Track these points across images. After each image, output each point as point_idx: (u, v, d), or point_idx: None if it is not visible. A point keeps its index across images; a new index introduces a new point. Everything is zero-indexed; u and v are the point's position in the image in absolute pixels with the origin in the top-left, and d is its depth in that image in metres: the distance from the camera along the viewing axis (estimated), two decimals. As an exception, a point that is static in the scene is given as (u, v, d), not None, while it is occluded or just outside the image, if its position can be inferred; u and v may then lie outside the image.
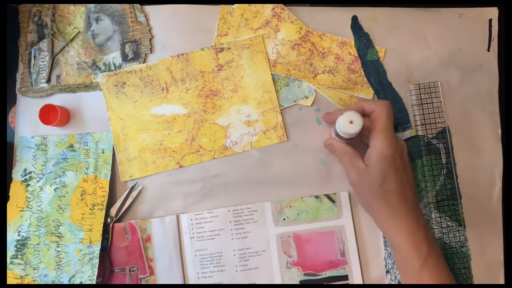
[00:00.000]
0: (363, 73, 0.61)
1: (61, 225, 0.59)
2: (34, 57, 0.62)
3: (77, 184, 0.60)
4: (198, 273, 0.59)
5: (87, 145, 0.60)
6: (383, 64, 0.61)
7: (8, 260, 0.58)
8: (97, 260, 0.57)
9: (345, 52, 0.62)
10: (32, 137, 0.61)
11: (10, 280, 0.57)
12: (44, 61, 0.62)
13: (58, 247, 0.58)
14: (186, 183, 0.60)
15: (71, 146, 0.61)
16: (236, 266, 0.59)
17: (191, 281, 0.59)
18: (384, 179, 0.50)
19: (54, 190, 0.59)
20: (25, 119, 0.62)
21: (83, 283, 0.57)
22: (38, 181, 0.60)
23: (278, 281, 0.58)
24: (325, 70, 0.61)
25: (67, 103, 0.62)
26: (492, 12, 0.62)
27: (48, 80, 0.62)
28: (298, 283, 0.58)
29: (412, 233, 0.51)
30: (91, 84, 0.62)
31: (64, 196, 0.59)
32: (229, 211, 0.60)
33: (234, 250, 0.59)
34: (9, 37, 0.62)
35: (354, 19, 0.62)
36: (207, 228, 0.59)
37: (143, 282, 0.59)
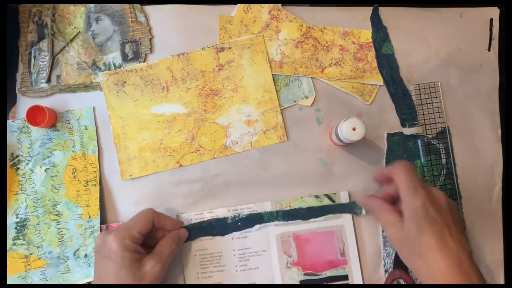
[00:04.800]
0: (369, 60, 0.61)
1: (58, 203, 0.60)
2: (34, 57, 0.62)
3: (66, 162, 0.60)
4: (198, 273, 0.59)
5: (69, 123, 0.61)
6: (396, 59, 0.62)
7: (11, 242, 0.59)
8: (99, 233, 0.58)
9: (348, 42, 0.62)
10: (13, 121, 0.61)
11: (15, 260, 0.58)
12: (44, 61, 0.62)
13: (59, 224, 0.59)
14: (186, 183, 0.60)
15: (54, 125, 0.61)
16: (236, 266, 0.59)
17: (191, 281, 0.59)
18: (420, 233, 0.46)
19: (45, 170, 0.60)
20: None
21: (88, 255, 0.58)
22: (27, 163, 0.60)
23: (278, 281, 0.58)
24: (331, 63, 0.61)
25: (67, 103, 0.62)
26: (493, 12, 0.62)
27: (48, 80, 0.62)
28: (298, 283, 0.58)
29: None
30: (91, 84, 0.62)
31: (56, 175, 0.60)
32: (229, 211, 0.60)
33: (234, 250, 0.59)
34: (9, 37, 0.62)
35: (375, 10, 0.62)
36: (207, 228, 0.59)
37: (143, 282, 0.59)
